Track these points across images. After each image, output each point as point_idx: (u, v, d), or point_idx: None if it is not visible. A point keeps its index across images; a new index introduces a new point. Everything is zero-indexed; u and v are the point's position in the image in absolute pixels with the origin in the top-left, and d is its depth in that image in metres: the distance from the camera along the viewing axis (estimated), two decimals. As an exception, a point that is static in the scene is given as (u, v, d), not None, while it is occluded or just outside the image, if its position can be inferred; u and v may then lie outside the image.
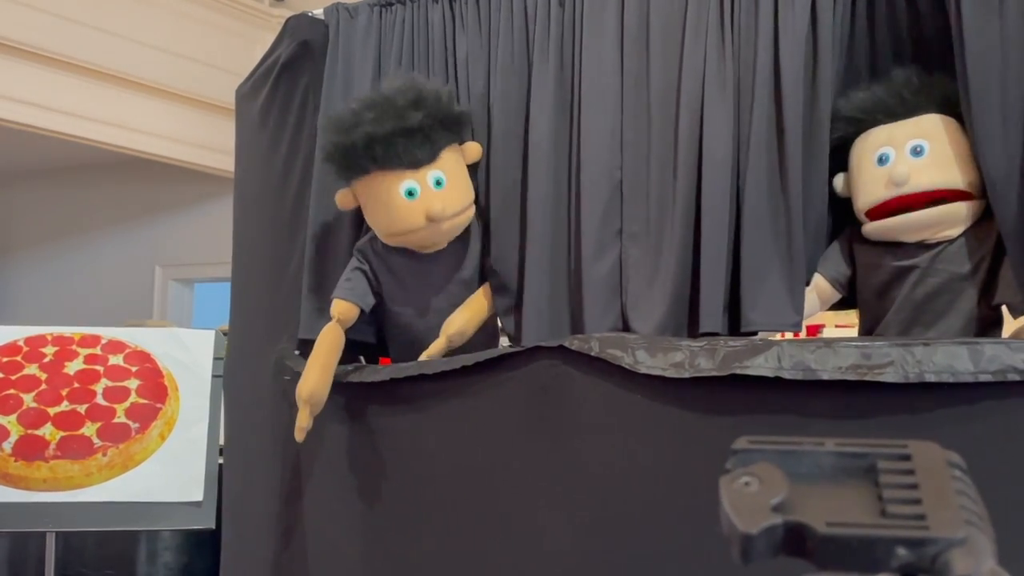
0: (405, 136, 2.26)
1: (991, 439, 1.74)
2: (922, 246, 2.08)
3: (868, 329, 2.21)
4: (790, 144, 2.11)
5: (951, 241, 2.06)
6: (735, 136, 2.16)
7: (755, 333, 2.17)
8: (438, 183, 2.29)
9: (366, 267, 2.43)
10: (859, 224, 2.16)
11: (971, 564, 0.55)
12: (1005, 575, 0.55)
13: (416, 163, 2.28)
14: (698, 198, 2.17)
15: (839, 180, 2.17)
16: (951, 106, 2.05)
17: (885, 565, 0.56)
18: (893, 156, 2.07)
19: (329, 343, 2.33)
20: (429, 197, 2.28)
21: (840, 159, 2.18)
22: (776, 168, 2.12)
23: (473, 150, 2.39)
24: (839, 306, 2.30)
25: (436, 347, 2.31)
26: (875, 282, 2.15)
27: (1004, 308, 2.09)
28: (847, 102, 2.14)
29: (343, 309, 2.37)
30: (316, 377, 2.28)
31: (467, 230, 2.41)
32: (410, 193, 2.28)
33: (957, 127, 2.05)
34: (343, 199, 2.39)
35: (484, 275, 2.43)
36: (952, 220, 2.04)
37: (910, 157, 2.05)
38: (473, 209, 2.40)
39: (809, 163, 2.13)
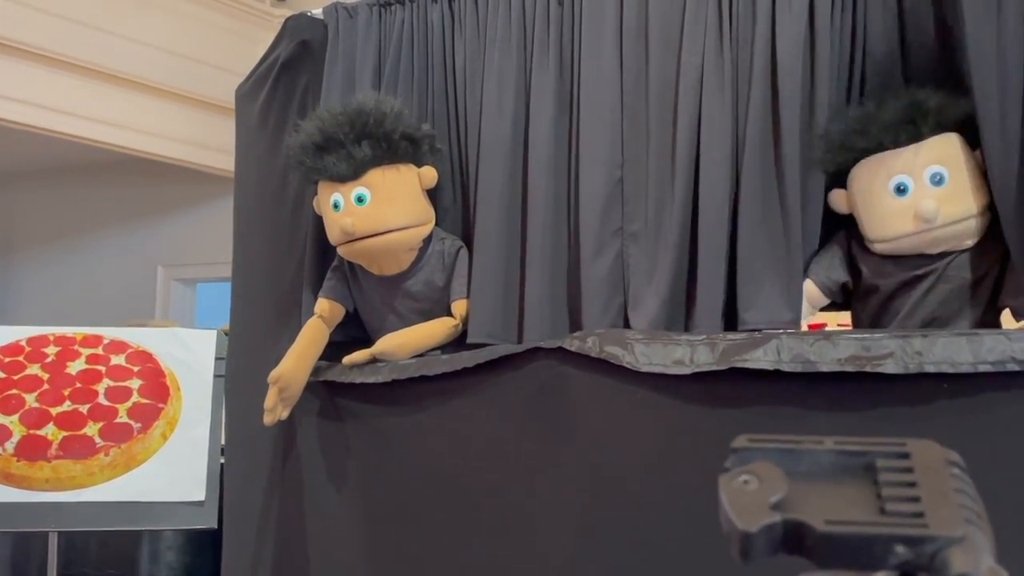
0: (332, 151, 2.30)
1: (991, 429, 1.74)
2: (937, 255, 2.03)
3: None
4: (787, 143, 2.09)
5: (964, 249, 2.02)
6: (733, 135, 2.15)
7: (757, 331, 2.16)
8: (360, 200, 2.31)
9: (345, 267, 2.47)
10: (855, 229, 2.10)
11: (969, 562, 0.55)
12: (1003, 573, 0.55)
13: (340, 177, 2.31)
14: (696, 197, 2.16)
15: (838, 198, 2.10)
16: (956, 123, 1.99)
17: (884, 563, 0.56)
18: (912, 186, 1.99)
19: (309, 336, 2.40)
20: (345, 212, 2.31)
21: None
22: (772, 167, 2.11)
23: (428, 175, 2.38)
24: (834, 308, 2.27)
25: (359, 354, 2.34)
26: (882, 290, 2.09)
27: (1003, 315, 2.08)
28: (847, 129, 2.04)
29: (324, 308, 2.44)
30: (287, 362, 2.34)
31: (428, 256, 2.39)
32: (335, 206, 2.33)
33: (966, 144, 2.00)
34: (314, 203, 2.45)
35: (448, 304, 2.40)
36: (970, 233, 2.00)
37: (930, 186, 1.98)
38: (419, 232, 2.36)
39: (806, 162, 2.12)
